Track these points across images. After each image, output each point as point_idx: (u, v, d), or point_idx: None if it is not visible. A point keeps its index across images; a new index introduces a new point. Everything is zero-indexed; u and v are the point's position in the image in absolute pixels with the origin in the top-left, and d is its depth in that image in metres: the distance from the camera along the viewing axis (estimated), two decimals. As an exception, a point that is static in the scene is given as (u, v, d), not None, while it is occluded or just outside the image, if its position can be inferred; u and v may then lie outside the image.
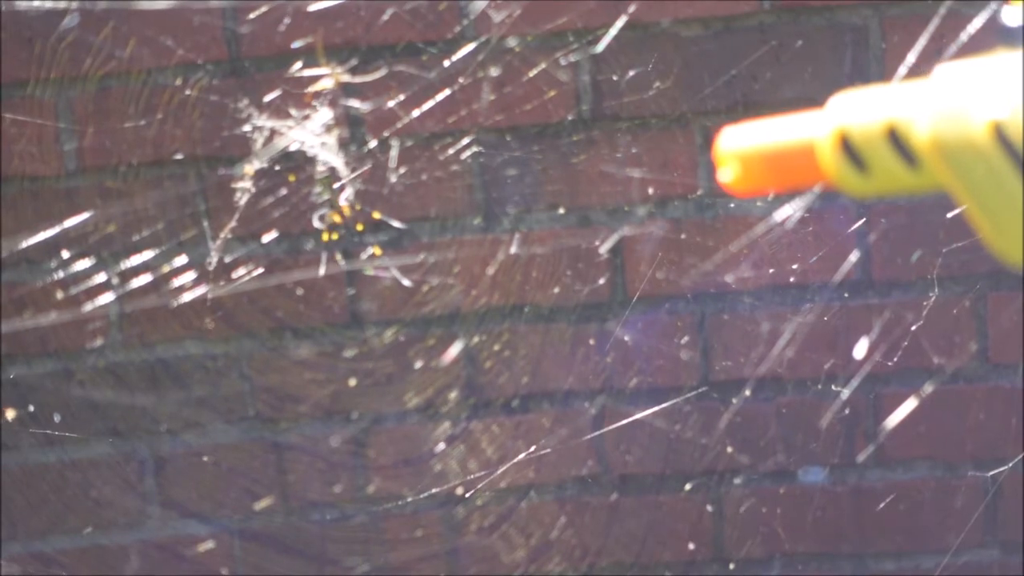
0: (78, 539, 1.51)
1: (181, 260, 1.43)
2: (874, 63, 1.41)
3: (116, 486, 1.50)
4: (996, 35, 0.55)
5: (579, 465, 1.50)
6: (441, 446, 1.49)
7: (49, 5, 1.37)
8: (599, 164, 1.43)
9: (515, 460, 1.48)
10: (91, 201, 1.43)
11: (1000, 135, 0.53)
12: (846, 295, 1.46)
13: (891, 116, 0.56)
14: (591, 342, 1.47)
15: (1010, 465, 1.46)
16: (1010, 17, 0.55)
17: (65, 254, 1.43)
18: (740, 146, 0.61)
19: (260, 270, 1.44)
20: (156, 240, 1.43)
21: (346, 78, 1.40)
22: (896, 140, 0.56)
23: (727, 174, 0.61)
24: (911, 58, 1.37)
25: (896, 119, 0.56)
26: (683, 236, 1.45)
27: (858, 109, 0.58)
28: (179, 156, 1.42)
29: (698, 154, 1.44)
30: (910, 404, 1.47)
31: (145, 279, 1.43)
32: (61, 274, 1.43)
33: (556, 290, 1.46)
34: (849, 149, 0.57)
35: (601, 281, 1.46)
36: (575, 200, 1.44)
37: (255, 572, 1.51)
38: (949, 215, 1.41)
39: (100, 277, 1.43)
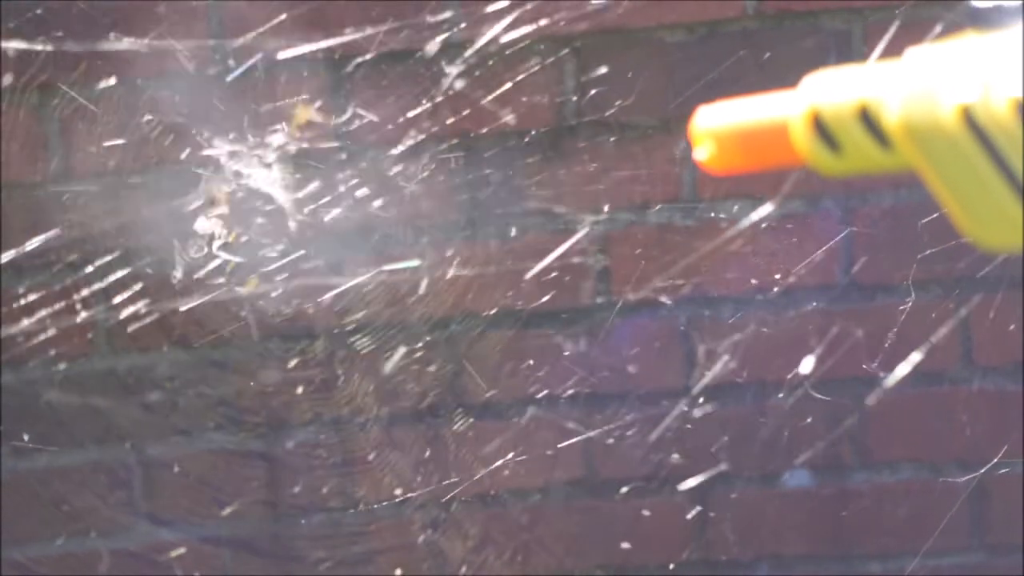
0: (56, 547, 1.51)
1: (160, 269, 1.43)
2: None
3: (97, 494, 1.50)
4: (967, 18, 0.56)
5: (563, 470, 1.50)
6: (421, 451, 1.49)
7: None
8: (583, 169, 1.44)
9: (496, 464, 1.48)
10: (74, 210, 1.43)
11: (969, 119, 0.53)
12: (829, 299, 1.47)
13: (863, 96, 0.57)
14: (575, 347, 1.48)
15: (987, 467, 1.46)
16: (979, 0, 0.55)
17: (45, 263, 1.43)
18: (715, 125, 0.62)
19: (239, 278, 1.44)
20: (135, 250, 1.43)
21: (319, 87, 1.41)
22: (868, 120, 0.56)
23: (702, 153, 0.62)
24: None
25: (868, 99, 0.56)
26: (667, 240, 1.45)
27: (831, 89, 0.58)
28: (147, 173, 1.42)
29: (682, 159, 1.44)
30: (885, 403, 1.48)
31: (126, 288, 1.43)
32: (41, 283, 1.43)
33: (540, 295, 1.46)
34: (821, 129, 0.58)
35: (585, 286, 1.46)
36: (558, 205, 1.45)
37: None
38: (932, 218, 1.42)
39: (79, 286, 1.43)
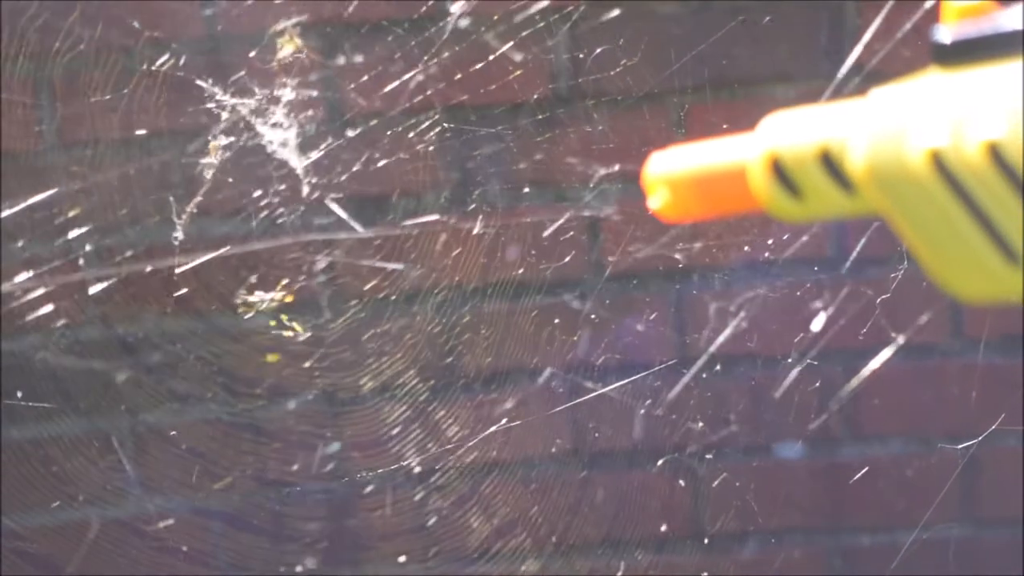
0: (46, 516, 1.51)
1: (148, 236, 1.42)
2: (848, 41, 1.40)
3: (84, 464, 1.50)
4: (929, 54, 0.53)
5: (550, 442, 1.50)
6: (405, 424, 1.49)
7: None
8: (573, 141, 1.43)
9: (483, 434, 1.48)
10: (58, 178, 1.42)
11: (939, 163, 0.50)
12: (821, 270, 1.46)
13: (824, 139, 0.54)
14: (564, 320, 1.47)
15: (979, 439, 1.46)
16: (942, 35, 0.53)
17: (32, 230, 1.42)
18: (669, 171, 0.59)
19: (224, 248, 1.43)
20: (123, 217, 1.42)
21: (314, 56, 1.39)
22: (830, 164, 0.54)
23: (656, 201, 0.59)
24: (886, 35, 1.37)
25: (830, 142, 0.54)
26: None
27: (790, 131, 0.55)
28: (144, 132, 1.41)
29: (673, 132, 1.43)
30: (876, 376, 1.47)
31: (113, 257, 1.43)
32: (27, 251, 1.42)
33: (528, 268, 1.46)
34: (781, 173, 0.55)
35: (576, 259, 1.46)
36: (548, 178, 1.44)
37: (229, 549, 1.52)
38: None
39: (68, 255, 1.42)
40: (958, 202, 0.50)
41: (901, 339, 1.45)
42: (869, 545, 1.53)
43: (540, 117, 1.42)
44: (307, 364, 1.47)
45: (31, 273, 1.43)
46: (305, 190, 1.41)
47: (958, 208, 0.50)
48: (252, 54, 1.39)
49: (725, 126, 1.43)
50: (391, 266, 1.45)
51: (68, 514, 1.51)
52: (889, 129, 0.51)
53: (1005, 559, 1.52)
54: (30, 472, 1.50)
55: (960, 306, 1.47)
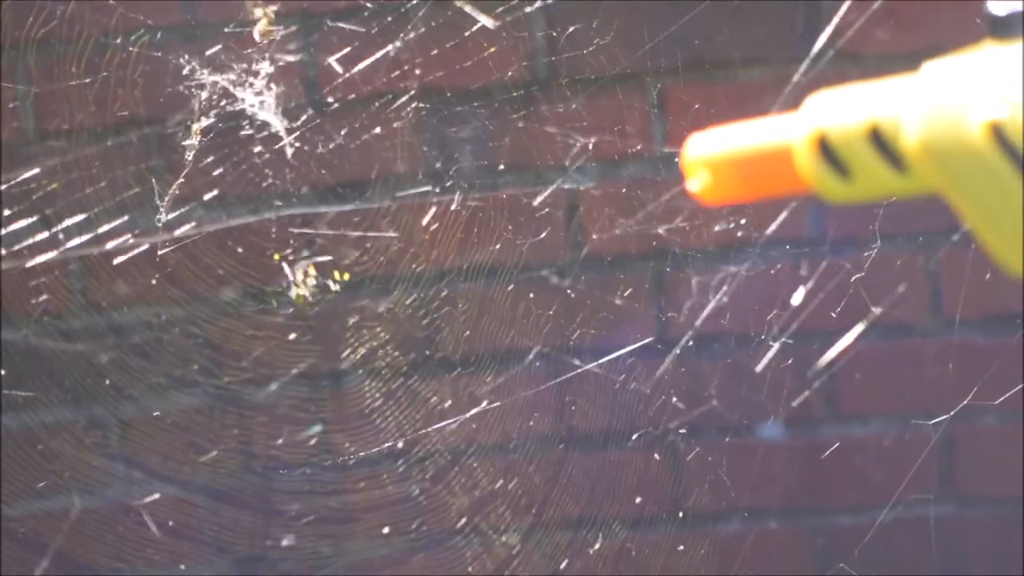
0: (36, 503, 1.50)
1: (126, 219, 1.40)
2: (825, 24, 1.39)
3: (70, 448, 1.48)
4: (986, 26, 0.52)
5: (535, 421, 1.50)
6: (384, 401, 1.48)
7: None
8: (550, 122, 1.42)
9: (465, 415, 1.47)
10: (37, 160, 1.39)
11: (999, 136, 0.49)
12: (801, 251, 1.45)
13: (874, 116, 0.53)
14: (542, 299, 1.46)
15: (951, 414, 1.46)
16: (998, 7, 0.51)
17: (7, 212, 1.40)
18: (709, 153, 0.57)
19: (205, 228, 1.41)
20: (101, 199, 1.40)
21: (286, 35, 1.37)
22: (880, 142, 0.53)
23: (696, 183, 0.57)
24: (861, 18, 1.36)
25: (879, 119, 0.53)
26: (637, 194, 1.44)
27: (837, 109, 0.54)
28: (123, 113, 1.39)
29: (651, 113, 1.42)
30: (856, 356, 1.47)
31: (92, 239, 1.40)
32: (3, 232, 1.40)
33: (505, 248, 1.45)
34: (829, 153, 0.53)
35: (554, 240, 1.45)
36: (525, 158, 1.43)
37: (217, 528, 1.51)
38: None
39: (46, 237, 1.40)
40: (1018, 175, 0.49)
41: (877, 310, 1.45)
42: (849, 524, 1.53)
43: (522, 96, 1.41)
44: (290, 338, 1.46)
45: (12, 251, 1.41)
46: (285, 166, 1.40)
47: (1018, 181, 0.49)
48: (228, 30, 1.37)
49: (697, 106, 1.42)
50: (373, 234, 1.43)
51: (56, 495, 1.50)
52: (945, 103, 0.50)
53: (987, 536, 1.53)
54: (19, 454, 1.48)
55: (939, 285, 1.47)
